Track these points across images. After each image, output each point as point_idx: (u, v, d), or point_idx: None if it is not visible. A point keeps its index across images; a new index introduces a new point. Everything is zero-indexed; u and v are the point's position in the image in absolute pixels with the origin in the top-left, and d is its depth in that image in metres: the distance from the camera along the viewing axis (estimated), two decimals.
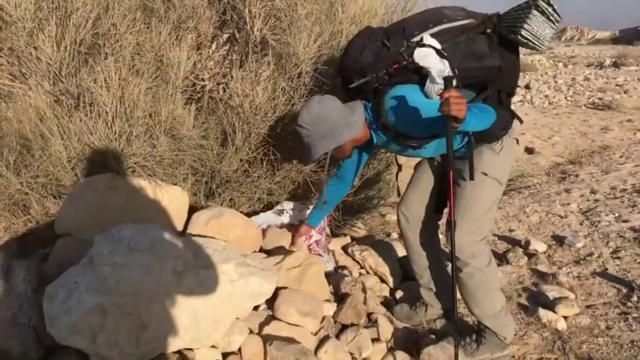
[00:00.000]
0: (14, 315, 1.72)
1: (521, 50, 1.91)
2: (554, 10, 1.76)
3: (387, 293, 2.54)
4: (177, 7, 2.37)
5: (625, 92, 11.37)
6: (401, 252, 2.72)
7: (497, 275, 2.18)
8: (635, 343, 2.18)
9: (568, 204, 4.21)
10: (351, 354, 2.02)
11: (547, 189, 4.94)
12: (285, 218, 2.55)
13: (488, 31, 1.82)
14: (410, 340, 2.19)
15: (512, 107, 2.01)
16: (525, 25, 1.77)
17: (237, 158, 2.40)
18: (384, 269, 2.58)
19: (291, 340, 1.90)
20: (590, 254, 3.11)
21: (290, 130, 2.38)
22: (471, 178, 1.87)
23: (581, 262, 3.03)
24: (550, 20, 1.77)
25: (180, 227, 2.27)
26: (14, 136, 2.27)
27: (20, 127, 2.25)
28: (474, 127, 1.72)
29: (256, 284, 1.86)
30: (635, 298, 2.52)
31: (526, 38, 1.79)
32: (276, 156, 2.40)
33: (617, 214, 3.74)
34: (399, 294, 2.51)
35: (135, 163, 2.19)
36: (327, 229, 2.66)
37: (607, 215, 3.75)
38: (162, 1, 2.38)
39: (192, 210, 2.33)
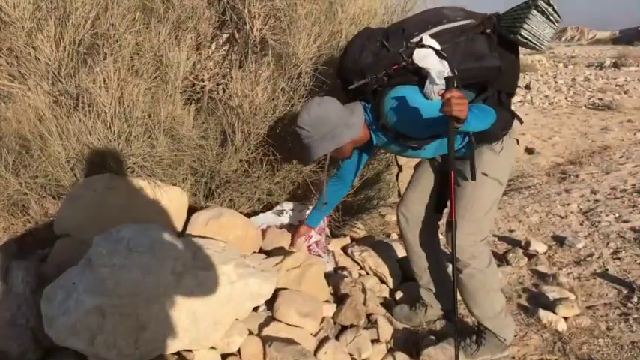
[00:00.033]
0: (13, 316, 1.72)
1: (521, 50, 1.91)
2: (553, 10, 1.75)
3: (386, 294, 2.54)
4: (177, 7, 2.37)
5: (625, 92, 11.37)
6: (401, 252, 2.72)
7: (497, 276, 2.17)
8: (635, 344, 2.18)
9: (568, 204, 4.20)
10: (351, 355, 2.01)
11: (547, 189, 4.94)
12: (285, 219, 2.54)
13: (488, 31, 1.82)
14: (410, 341, 2.18)
15: (513, 107, 2.00)
16: (525, 25, 1.76)
17: (237, 159, 2.39)
18: (384, 270, 2.58)
19: (290, 341, 1.90)
20: (591, 255, 3.11)
21: (290, 130, 2.38)
22: (473, 178, 1.86)
23: (582, 262, 3.02)
24: (550, 20, 1.76)
25: (179, 228, 2.27)
26: (13, 136, 2.27)
27: (19, 128, 2.25)
28: (475, 128, 1.72)
29: (255, 285, 1.85)
30: (635, 299, 2.52)
31: (526, 38, 1.78)
32: (275, 156, 2.39)
33: (617, 215, 3.73)
34: (398, 295, 2.50)
35: (134, 164, 2.19)
36: (327, 230, 2.65)
37: (607, 216, 3.74)
38: (162, 1, 2.38)
39: (192, 210, 2.32)
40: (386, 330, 2.18)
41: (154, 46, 2.28)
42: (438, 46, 1.76)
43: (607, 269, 2.88)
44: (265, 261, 2.19)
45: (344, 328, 2.14)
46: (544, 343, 2.23)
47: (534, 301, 2.57)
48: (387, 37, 1.83)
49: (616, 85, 12.45)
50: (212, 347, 1.80)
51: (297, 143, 2.08)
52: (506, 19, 1.84)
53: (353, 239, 2.93)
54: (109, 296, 1.59)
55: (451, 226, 1.86)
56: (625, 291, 2.63)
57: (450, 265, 2.36)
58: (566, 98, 11.17)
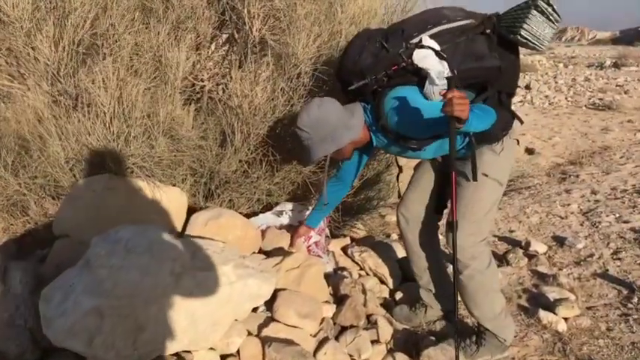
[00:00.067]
0: (11, 317, 1.72)
1: (522, 50, 1.90)
2: (553, 9, 1.74)
3: (386, 294, 2.53)
4: (176, 7, 2.36)
5: (625, 93, 11.36)
6: (401, 253, 2.71)
7: (497, 277, 2.17)
8: (635, 344, 2.17)
9: (568, 205, 4.19)
10: (351, 356, 2.01)
11: (547, 190, 4.93)
12: (285, 219, 2.54)
13: (488, 31, 1.81)
14: (409, 342, 2.18)
15: (513, 108, 2.00)
16: (525, 25, 1.75)
17: (237, 159, 2.39)
18: (384, 270, 2.57)
19: (289, 342, 1.89)
20: (591, 255, 3.10)
21: (289, 131, 2.37)
22: (474, 179, 1.85)
23: (582, 263, 3.02)
24: (550, 20, 1.76)
25: (179, 228, 2.27)
26: (12, 136, 2.27)
27: (19, 128, 2.24)
28: (476, 128, 1.71)
29: (255, 286, 1.85)
30: (635, 300, 2.51)
31: (525, 38, 1.78)
32: (275, 157, 2.39)
33: (617, 215, 3.72)
34: (398, 295, 2.50)
35: (133, 164, 2.18)
36: (327, 230, 2.65)
37: (607, 216, 3.74)
38: (161, 1, 2.38)
39: (191, 211, 2.32)
40: (386, 331, 2.17)
41: (154, 46, 2.28)
42: (437, 47, 1.76)
43: (607, 270, 2.88)
44: (265, 262, 2.18)
45: (343, 329, 2.14)
46: (544, 344, 2.22)
47: (534, 302, 2.57)
48: (386, 37, 1.83)
49: (616, 86, 12.44)
50: (211, 348, 1.79)
51: (296, 144, 2.07)
52: (506, 19, 1.83)
53: (353, 240, 2.92)
54: (108, 297, 1.58)
55: (452, 227, 1.86)
56: (625, 292, 2.62)
57: (450, 266, 2.36)
58: (566, 98, 11.16)
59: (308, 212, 2.47)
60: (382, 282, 2.58)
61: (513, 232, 3.70)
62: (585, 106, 10.26)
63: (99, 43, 2.26)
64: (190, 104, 2.45)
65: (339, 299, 2.28)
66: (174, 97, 2.29)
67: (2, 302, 1.75)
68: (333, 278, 2.40)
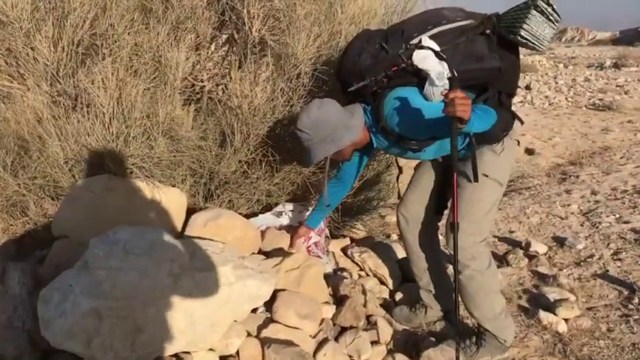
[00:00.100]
0: (9, 318, 1.71)
1: (522, 51, 1.90)
2: (553, 9, 1.74)
3: (386, 295, 2.53)
4: (176, 7, 2.36)
5: (625, 93, 11.35)
6: (401, 253, 2.71)
7: (497, 277, 2.16)
8: (636, 345, 2.17)
9: (568, 205, 4.19)
10: (350, 357, 2.00)
11: (547, 190, 4.93)
12: (285, 220, 2.53)
13: (488, 31, 1.81)
14: (409, 343, 2.17)
15: (513, 108, 1.99)
16: (525, 26, 1.75)
17: (236, 159, 2.38)
18: (384, 271, 2.57)
19: (289, 343, 1.89)
20: (591, 256, 3.09)
21: (289, 131, 2.37)
22: (475, 179, 1.85)
23: (582, 263, 3.01)
24: (550, 20, 1.75)
25: (178, 229, 2.26)
26: (12, 137, 2.27)
27: (18, 129, 2.24)
28: (478, 129, 1.71)
29: (254, 286, 1.84)
30: (636, 300, 2.51)
31: (525, 39, 1.77)
32: (275, 157, 2.38)
33: (617, 216, 3.72)
34: (398, 296, 2.49)
35: (132, 165, 2.18)
36: (327, 231, 2.64)
37: (608, 216, 3.73)
38: (161, 1, 2.37)
39: (191, 211, 2.31)
40: (385, 331, 2.17)
41: (153, 46, 2.28)
42: (437, 48, 1.75)
43: (608, 270, 2.87)
44: (264, 262, 2.18)
45: (343, 330, 2.13)
46: (544, 345, 2.22)
47: (535, 303, 2.56)
48: (386, 38, 1.82)
49: (616, 86, 12.43)
50: (210, 349, 1.79)
51: (296, 145, 2.07)
52: (505, 19, 1.83)
53: (353, 240, 2.92)
54: (106, 299, 1.58)
55: (453, 228, 1.85)
56: (626, 292, 2.61)
57: (450, 267, 2.36)
58: (566, 99, 11.15)
59: (308, 213, 2.47)
60: (382, 282, 2.57)
61: (513, 233, 3.70)
62: (585, 106, 10.26)
63: (98, 43, 2.25)
64: (190, 105, 2.44)
65: (339, 300, 2.28)
66: (174, 97, 2.29)
67: (0, 303, 1.74)
68: (333, 279, 2.39)
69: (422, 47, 1.75)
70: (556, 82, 13.50)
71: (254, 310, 2.00)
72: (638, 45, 25.62)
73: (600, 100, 10.59)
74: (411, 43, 1.78)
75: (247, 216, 2.46)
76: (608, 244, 3.24)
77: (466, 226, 1.91)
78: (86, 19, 2.19)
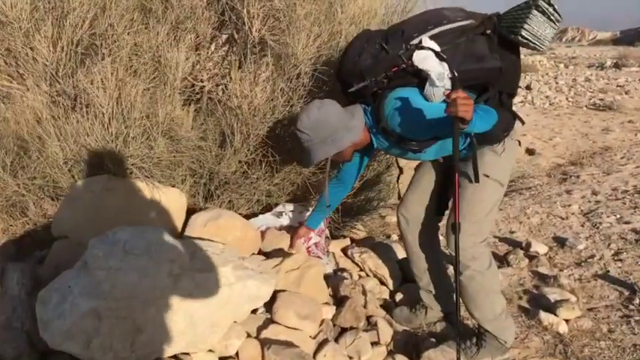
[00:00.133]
0: (8, 319, 1.71)
1: (522, 51, 1.89)
2: (554, 9, 1.73)
3: (386, 296, 2.52)
4: (176, 7, 2.35)
5: (626, 93, 11.34)
6: (401, 254, 2.70)
7: (497, 278, 2.16)
8: (637, 346, 2.16)
9: (569, 205, 4.18)
10: (350, 358, 1.99)
11: (548, 190, 4.92)
12: (285, 220, 2.53)
13: (488, 31, 1.80)
14: (410, 344, 2.17)
15: (514, 108, 1.99)
16: (525, 26, 1.74)
17: (236, 160, 2.38)
18: (384, 271, 2.56)
19: (289, 344, 1.88)
20: (592, 256, 3.09)
21: (289, 131, 2.36)
22: (476, 180, 1.84)
23: (583, 264, 3.01)
24: (550, 20, 1.75)
25: (178, 229, 2.26)
26: (11, 137, 2.26)
27: (17, 129, 2.24)
28: (479, 129, 1.70)
29: (254, 287, 1.84)
30: (637, 301, 2.50)
31: (526, 39, 1.77)
32: (275, 157, 2.38)
33: (618, 216, 3.71)
34: (398, 296, 2.49)
35: (132, 165, 2.17)
36: (327, 231, 2.64)
37: (608, 217, 3.73)
38: (161, 1, 2.37)
39: (191, 212, 2.31)
40: (386, 332, 2.16)
41: (153, 46, 2.27)
42: (437, 48, 1.75)
43: (608, 271, 2.86)
44: (264, 263, 2.17)
45: (343, 331, 2.13)
46: (545, 346, 2.21)
47: (535, 303, 2.56)
48: (386, 39, 1.82)
49: (617, 86, 12.42)
50: (210, 350, 1.78)
51: (296, 145, 2.06)
52: (506, 19, 1.82)
53: (353, 241, 2.91)
54: (105, 299, 1.57)
55: (454, 228, 1.84)
56: (626, 293, 2.61)
57: (450, 267, 2.35)
58: (567, 99, 11.14)
59: (308, 213, 2.46)
60: (382, 283, 2.57)
61: (514, 233, 3.69)
62: (586, 106, 10.25)
63: (98, 43, 2.25)
64: (190, 105, 2.44)
65: (339, 300, 2.27)
66: (174, 97, 2.28)
67: None
68: (333, 279, 2.39)
69: (422, 48, 1.75)
70: (556, 82, 13.49)
71: (254, 311, 2.00)
72: (638, 45, 25.59)
73: (601, 100, 10.58)
74: (412, 43, 1.77)
75: (247, 216, 2.45)
76: (609, 244, 3.24)
77: (467, 227, 1.90)
78: (85, 18, 2.18)
